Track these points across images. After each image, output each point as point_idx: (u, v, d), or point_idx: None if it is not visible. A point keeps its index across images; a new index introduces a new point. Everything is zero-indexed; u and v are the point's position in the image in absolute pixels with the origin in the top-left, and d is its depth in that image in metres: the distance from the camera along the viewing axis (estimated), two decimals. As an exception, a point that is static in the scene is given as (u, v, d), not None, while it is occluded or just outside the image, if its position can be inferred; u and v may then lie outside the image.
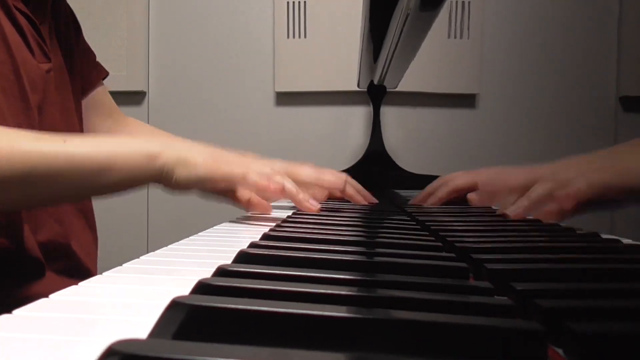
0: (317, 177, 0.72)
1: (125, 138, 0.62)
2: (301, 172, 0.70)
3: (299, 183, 0.68)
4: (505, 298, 0.27)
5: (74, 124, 0.77)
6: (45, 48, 0.72)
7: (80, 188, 0.57)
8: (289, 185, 0.64)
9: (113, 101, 0.94)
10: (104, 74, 0.91)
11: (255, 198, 0.72)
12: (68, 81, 0.78)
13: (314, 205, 0.66)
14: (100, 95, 0.90)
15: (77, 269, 0.76)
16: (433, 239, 0.45)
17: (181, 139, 0.75)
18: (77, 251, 0.77)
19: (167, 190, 0.62)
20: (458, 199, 0.81)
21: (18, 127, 0.65)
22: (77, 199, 0.67)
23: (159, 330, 0.21)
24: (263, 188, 0.62)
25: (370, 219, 0.64)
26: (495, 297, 0.27)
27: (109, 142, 0.60)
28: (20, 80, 0.67)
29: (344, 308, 0.22)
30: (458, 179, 0.81)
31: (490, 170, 0.80)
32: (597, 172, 0.63)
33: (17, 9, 0.68)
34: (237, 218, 0.67)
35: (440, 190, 0.81)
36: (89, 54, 0.89)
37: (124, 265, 0.35)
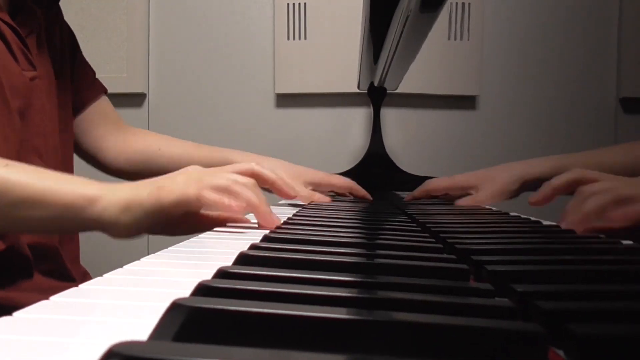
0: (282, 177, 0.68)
1: (70, 177, 0.58)
2: (267, 173, 0.65)
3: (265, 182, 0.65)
4: (506, 300, 0.27)
5: (54, 130, 0.80)
6: (30, 57, 0.75)
7: (10, 216, 0.54)
8: (251, 197, 0.57)
9: (117, 113, 0.97)
10: (103, 90, 0.94)
11: (224, 215, 0.63)
12: (55, 91, 0.80)
13: (274, 221, 0.58)
14: (103, 107, 0.94)
15: (63, 273, 0.77)
16: (433, 240, 0.45)
17: (126, 183, 0.63)
18: (63, 255, 0.78)
19: (116, 237, 0.56)
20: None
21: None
22: (6, 228, 0.62)
23: (159, 332, 0.21)
24: (222, 208, 0.55)
25: (371, 220, 0.64)
26: (496, 298, 0.27)
27: (50, 177, 0.56)
28: (0, 85, 0.69)
29: (344, 310, 0.22)
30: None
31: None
32: None
33: (1, 19, 0.71)
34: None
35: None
36: (88, 70, 0.93)
37: (125, 267, 0.35)
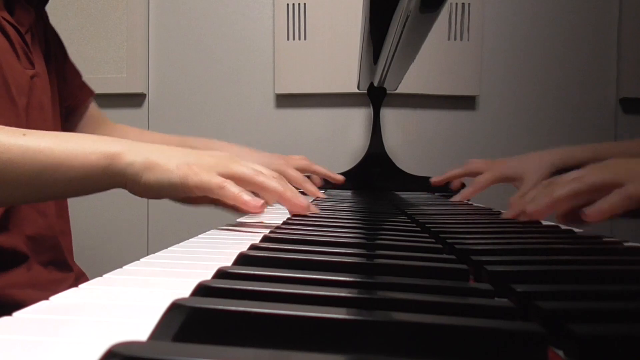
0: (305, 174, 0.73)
1: (90, 136, 0.58)
2: (293, 174, 0.69)
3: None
4: (506, 300, 0.27)
5: (50, 127, 0.80)
6: (30, 55, 0.75)
7: (36, 184, 0.54)
8: (276, 186, 0.58)
9: (101, 112, 0.99)
10: (91, 94, 0.96)
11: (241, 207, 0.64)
12: (49, 89, 0.81)
13: (302, 203, 0.60)
14: (90, 109, 0.96)
15: (62, 263, 0.78)
16: (433, 240, 0.45)
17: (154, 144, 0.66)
18: (62, 245, 0.78)
19: (135, 194, 0.56)
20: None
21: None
22: (31, 196, 0.61)
23: (159, 332, 0.21)
24: (240, 203, 0.55)
25: (371, 220, 0.64)
26: (496, 299, 0.27)
27: (70, 139, 0.56)
28: (7, 84, 0.69)
29: (344, 310, 0.22)
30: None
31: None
32: None
33: (3, 18, 0.72)
34: (237, 220, 0.67)
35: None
36: (76, 75, 0.94)
37: (124, 267, 0.35)
